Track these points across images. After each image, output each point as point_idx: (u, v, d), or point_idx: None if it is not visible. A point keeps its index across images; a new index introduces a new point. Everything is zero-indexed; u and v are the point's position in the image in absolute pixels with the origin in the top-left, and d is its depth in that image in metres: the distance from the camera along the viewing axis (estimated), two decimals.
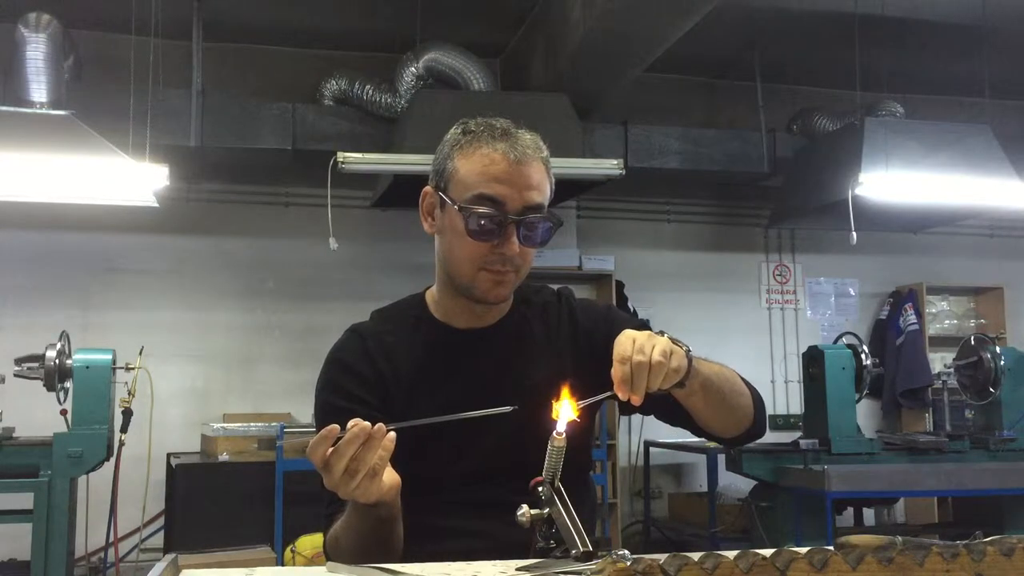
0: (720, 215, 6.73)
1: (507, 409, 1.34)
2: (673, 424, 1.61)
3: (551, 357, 1.60)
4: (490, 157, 1.48)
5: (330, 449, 1.25)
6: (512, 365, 1.58)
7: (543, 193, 1.51)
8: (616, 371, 1.31)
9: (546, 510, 1.27)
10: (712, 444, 5.55)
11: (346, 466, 1.24)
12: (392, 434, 1.26)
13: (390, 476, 1.32)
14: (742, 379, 1.59)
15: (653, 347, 1.31)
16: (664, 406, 1.52)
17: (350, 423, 1.25)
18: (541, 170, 1.51)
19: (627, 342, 1.32)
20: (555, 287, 1.72)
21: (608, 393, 1.34)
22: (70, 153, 4.20)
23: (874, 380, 4.97)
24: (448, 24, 5.31)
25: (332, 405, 1.52)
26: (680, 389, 1.38)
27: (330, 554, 1.46)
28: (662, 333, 1.38)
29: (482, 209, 1.46)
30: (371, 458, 1.25)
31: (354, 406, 1.46)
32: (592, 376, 1.41)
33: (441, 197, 1.52)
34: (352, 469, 1.25)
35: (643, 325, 1.46)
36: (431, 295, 1.64)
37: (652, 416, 1.64)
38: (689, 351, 1.38)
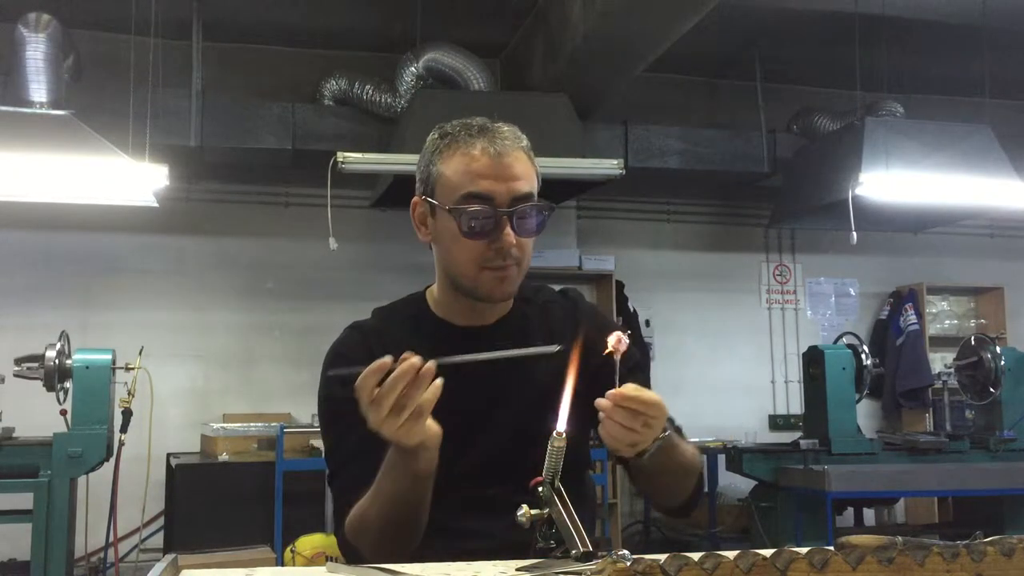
0: (720, 215, 6.73)
1: (553, 348, 1.36)
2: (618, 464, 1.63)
3: (550, 355, 1.59)
4: (471, 155, 1.48)
5: (377, 386, 1.25)
6: (512, 363, 1.57)
7: (530, 182, 1.50)
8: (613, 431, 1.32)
9: (546, 510, 1.27)
10: (712, 444, 5.55)
11: (394, 402, 1.25)
12: (440, 380, 1.26)
13: (433, 424, 1.32)
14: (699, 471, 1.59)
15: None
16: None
17: (402, 357, 1.25)
18: (524, 159, 1.51)
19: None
20: (559, 287, 1.72)
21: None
22: (70, 153, 4.20)
23: (874, 380, 4.97)
24: (448, 24, 5.31)
25: (336, 397, 1.51)
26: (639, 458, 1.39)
27: (352, 537, 1.45)
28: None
29: (472, 207, 1.46)
30: (419, 396, 1.25)
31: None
32: (590, 377, 1.40)
33: (430, 204, 1.52)
34: (399, 405, 1.25)
35: (645, 355, 1.45)
36: (431, 293, 1.63)
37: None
38: (668, 432, 1.39)
